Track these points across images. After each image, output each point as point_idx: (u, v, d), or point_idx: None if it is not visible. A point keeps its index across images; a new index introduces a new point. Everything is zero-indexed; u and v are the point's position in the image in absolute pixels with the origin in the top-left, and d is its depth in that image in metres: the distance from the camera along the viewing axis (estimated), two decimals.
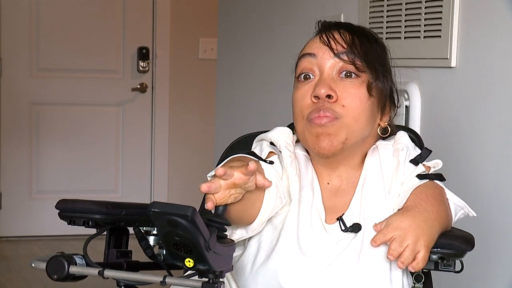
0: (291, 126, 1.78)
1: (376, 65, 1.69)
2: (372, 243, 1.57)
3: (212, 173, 1.62)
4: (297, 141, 1.77)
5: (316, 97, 1.65)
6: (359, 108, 1.66)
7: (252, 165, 1.44)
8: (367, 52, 1.69)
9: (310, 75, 1.69)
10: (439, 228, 1.60)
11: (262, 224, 1.65)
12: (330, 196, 1.71)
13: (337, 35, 1.69)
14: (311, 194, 1.69)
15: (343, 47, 1.67)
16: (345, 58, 1.67)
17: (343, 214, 1.68)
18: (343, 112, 1.65)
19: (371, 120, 1.70)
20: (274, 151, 1.73)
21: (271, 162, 1.69)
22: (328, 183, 1.72)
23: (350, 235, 1.65)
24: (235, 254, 1.67)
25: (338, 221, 1.67)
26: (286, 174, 1.69)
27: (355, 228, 1.65)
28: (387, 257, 1.54)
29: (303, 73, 1.70)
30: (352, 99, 1.66)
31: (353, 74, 1.67)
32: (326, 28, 1.72)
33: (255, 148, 1.76)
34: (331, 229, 1.67)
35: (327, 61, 1.68)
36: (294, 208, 1.68)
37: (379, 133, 1.74)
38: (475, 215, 1.73)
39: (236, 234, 1.65)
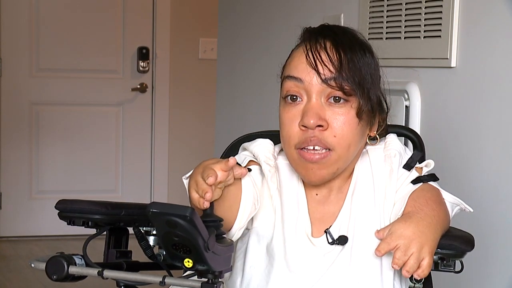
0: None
1: (365, 87, 1.62)
2: (377, 252, 1.54)
3: (187, 175, 1.60)
4: (281, 150, 1.73)
5: (305, 126, 1.61)
6: (350, 135, 1.61)
7: (232, 160, 1.49)
8: (356, 74, 1.61)
9: (298, 97, 1.63)
10: (441, 232, 1.59)
11: (241, 230, 1.62)
12: (317, 207, 1.68)
13: (324, 56, 1.61)
14: (296, 207, 1.67)
15: (330, 71, 1.60)
16: (333, 84, 1.60)
17: (330, 226, 1.65)
18: (335, 143, 1.60)
19: (361, 140, 1.66)
20: (255, 160, 1.70)
21: (249, 170, 1.66)
22: (316, 194, 1.69)
23: (338, 247, 1.63)
24: None
25: (325, 234, 1.64)
26: (267, 186, 1.67)
27: (342, 240, 1.62)
28: (392, 266, 1.52)
29: (289, 94, 1.64)
30: (342, 127, 1.60)
31: (341, 99, 1.61)
32: (312, 40, 1.65)
33: (237, 156, 1.73)
34: (318, 242, 1.64)
35: (314, 87, 1.61)
36: (278, 225, 1.65)
37: (368, 142, 1.70)
38: (471, 210, 1.72)
39: None
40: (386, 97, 1.72)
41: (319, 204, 1.69)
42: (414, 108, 2.59)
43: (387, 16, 2.75)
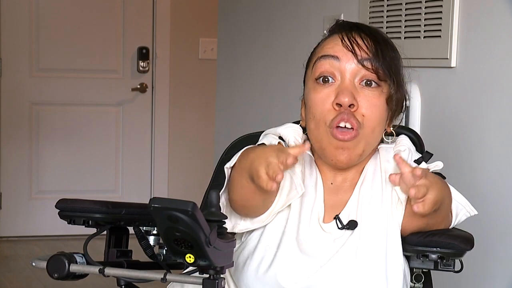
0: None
1: (397, 77, 1.68)
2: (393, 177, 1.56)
3: (231, 164, 1.64)
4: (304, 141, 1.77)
5: (338, 104, 1.64)
6: (377, 118, 1.66)
7: (307, 145, 1.54)
8: (391, 62, 1.67)
9: (330, 78, 1.66)
10: (447, 201, 1.62)
11: (272, 216, 1.65)
12: (331, 196, 1.72)
13: (359, 40, 1.66)
14: (314, 194, 1.70)
15: (367, 54, 1.65)
16: (369, 66, 1.64)
17: (340, 212, 1.68)
18: (363, 121, 1.64)
19: (383, 129, 1.71)
20: (282, 144, 1.72)
21: None
22: (331, 183, 1.73)
23: (347, 232, 1.66)
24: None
25: (334, 220, 1.67)
26: (293, 168, 1.69)
27: (351, 225, 1.66)
28: (393, 177, 1.55)
29: (322, 75, 1.66)
30: (372, 109, 1.65)
31: (373, 83, 1.65)
32: (346, 29, 1.68)
33: (262, 140, 1.75)
34: (328, 228, 1.67)
35: (350, 67, 1.65)
36: (296, 207, 1.68)
37: (384, 138, 1.73)
38: (476, 213, 1.73)
39: (240, 225, 1.66)
40: (407, 97, 1.76)
41: (332, 192, 1.72)
42: (414, 108, 2.60)
43: (387, 16, 2.75)
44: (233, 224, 1.66)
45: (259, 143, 1.74)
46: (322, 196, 1.71)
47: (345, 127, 1.63)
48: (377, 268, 1.62)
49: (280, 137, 1.73)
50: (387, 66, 1.66)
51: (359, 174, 1.72)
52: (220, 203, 1.65)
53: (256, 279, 1.64)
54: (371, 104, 1.65)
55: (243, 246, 1.70)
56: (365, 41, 1.66)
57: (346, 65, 1.65)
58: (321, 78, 1.67)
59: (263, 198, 1.60)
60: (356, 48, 1.65)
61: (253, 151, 1.58)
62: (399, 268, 1.64)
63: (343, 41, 1.66)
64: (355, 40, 1.66)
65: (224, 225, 1.43)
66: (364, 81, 1.65)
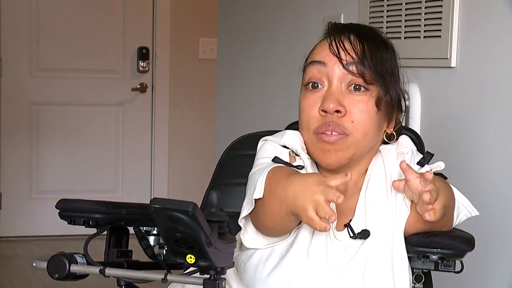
0: (294, 126, 1.77)
1: (386, 78, 1.65)
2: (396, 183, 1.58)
3: (260, 194, 1.57)
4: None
5: (324, 111, 1.63)
6: (368, 123, 1.64)
7: (349, 175, 1.48)
8: (378, 64, 1.64)
9: (319, 84, 1.65)
10: (451, 211, 1.62)
11: (295, 233, 1.63)
12: None
13: (347, 44, 1.64)
14: None
15: (352, 58, 1.63)
16: (354, 70, 1.62)
17: (350, 220, 1.66)
18: (352, 128, 1.62)
19: (378, 131, 1.68)
20: (291, 154, 1.71)
21: (301, 167, 1.67)
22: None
23: (358, 241, 1.64)
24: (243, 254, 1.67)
25: (346, 228, 1.65)
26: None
27: (364, 234, 1.64)
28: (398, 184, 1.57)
29: (311, 81, 1.66)
30: (360, 114, 1.63)
31: (362, 87, 1.63)
32: (336, 33, 1.67)
33: (261, 149, 1.73)
34: (339, 236, 1.65)
35: (336, 72, 1.63)
36: None
37: (385, 139, 1.72)
38: (477, 214, 1.73)
39: (259, 240, 1.64)
40: (406, 96, 1.74)
41: None
42: (414, 108, 2.60)
43: (387, 16, 2.75)
44: (253, 241, 1.64)
45: (266, 155, 1.69)
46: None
47: (331, 133, 1.62)
48: (385, 274, 1.61)
49: (285, 146, 1.71)
50: (374, 69, 1.63)
51: (362, 177, 1.70)
52: (240, 223, 1.63)
53: (266, 283, 1.63)
54: (359, 109, 1.63)
55: (253, 249, 1.67)
56: (352, 45, 1.64)
57: (333, 70, 1.64)
58: (310, 84, 1.66)
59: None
60: (342, 52, 1.63)
61: (291, 183, 1.52)
62: (405, 272, 1.63)
63: (330, 46, 1.65)
64: (342, 44, 1.64)
65: (225, 226, 1.43)
66: (352, 86, 1.64)
